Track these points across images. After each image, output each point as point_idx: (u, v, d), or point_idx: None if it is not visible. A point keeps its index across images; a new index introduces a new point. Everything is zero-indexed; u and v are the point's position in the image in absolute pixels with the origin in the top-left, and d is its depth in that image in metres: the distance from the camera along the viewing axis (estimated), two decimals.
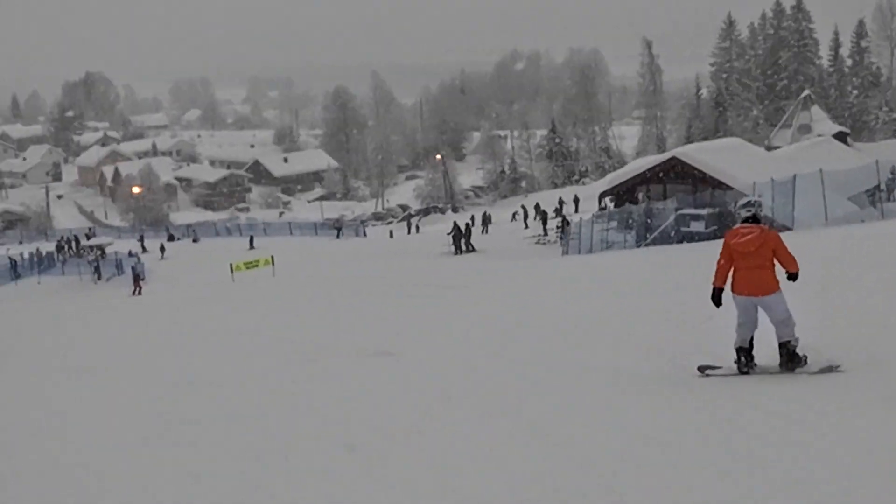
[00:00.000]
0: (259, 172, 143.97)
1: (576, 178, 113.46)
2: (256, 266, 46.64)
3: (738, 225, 9.38)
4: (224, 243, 68.86)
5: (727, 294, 9.43)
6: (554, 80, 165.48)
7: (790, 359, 9.25)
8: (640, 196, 43.07)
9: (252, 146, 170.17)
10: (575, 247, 41.23)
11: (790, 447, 6.94)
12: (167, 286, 46.45)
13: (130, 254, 62.37)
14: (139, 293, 44.54)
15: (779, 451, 6.88)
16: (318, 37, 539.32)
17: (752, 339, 9.47)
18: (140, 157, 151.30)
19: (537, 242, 49.92)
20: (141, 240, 69.51)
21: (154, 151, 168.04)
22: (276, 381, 13.24)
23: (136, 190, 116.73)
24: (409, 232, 73.84)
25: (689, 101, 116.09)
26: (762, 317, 9.32)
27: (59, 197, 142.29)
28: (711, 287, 9.46)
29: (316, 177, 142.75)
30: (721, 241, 9.55)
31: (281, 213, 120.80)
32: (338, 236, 69.78)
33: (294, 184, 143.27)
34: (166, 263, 60.03)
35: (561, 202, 67.61)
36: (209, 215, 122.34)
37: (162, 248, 64.96)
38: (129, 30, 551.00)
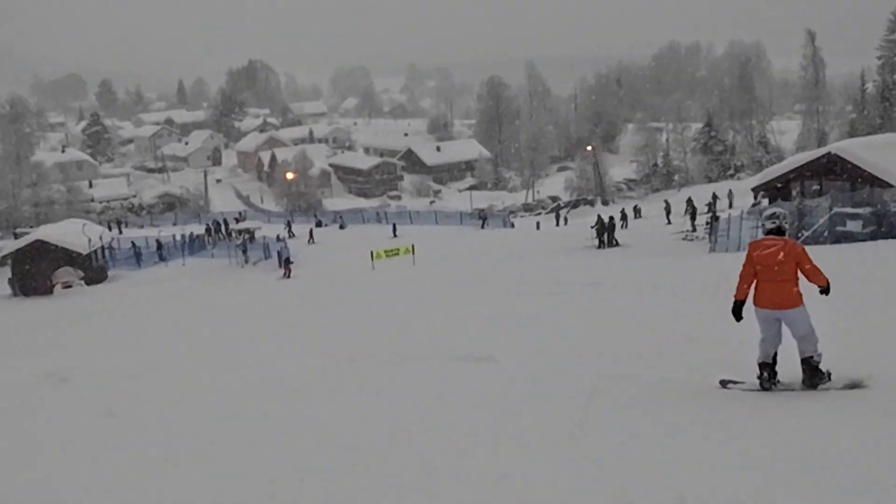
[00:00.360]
0: (412, 161, 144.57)
1: (731, 172, 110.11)
2: (396, 254, 46.55)
3: (761, 237, 9.19)
4: (369, 230, 69.19)
5: (749, 308, 9.19)
6: (712, 73, 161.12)
7: (813, 375, 9.04)
8: (794, 193, 40.78)
9: (406, 134, 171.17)
10: (724, 244, 39.42)
11: (808, 462, 6.85)
12: (311, 271, 47.65)
13: (278, 238, 63.34)
14: (288, 276, 46.09)
15: (797, 465, 6.80)
16: (476, 28, 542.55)
17: (775, 354, 9.22)
18: (296, 144, 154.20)
19: (684, 238, 48.04)
20: (288, 225, 70.49)
21: (311, 138, 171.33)
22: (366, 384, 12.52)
23: (289, 175, 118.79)
24: (557, 224, 72.64)
25: (853, 95, 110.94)
26: (785, 332, 9.09)
27: (218, 181, 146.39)
28: (734, 300, 9.20)
29: (467, 166, 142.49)
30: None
31: (431, 202, 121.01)
32: (483, 226, 69.21)
33: (445, 173, 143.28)
34: (313, 248, 60.70)
35: (714, 197, 65.15)
36: (361, 202, 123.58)
37: (310, 234, 65.71)
38: (293, 20, 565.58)
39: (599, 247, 46.54)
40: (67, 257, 51.10)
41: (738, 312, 9.18)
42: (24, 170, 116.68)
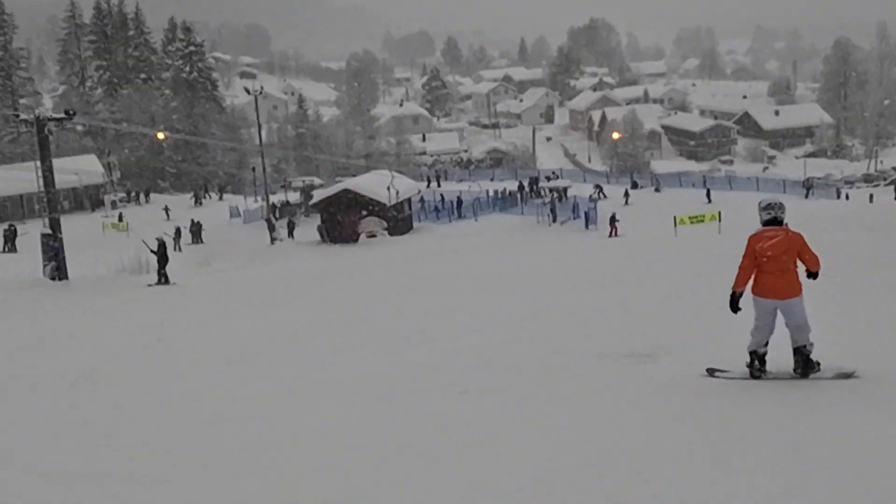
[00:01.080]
0: (747, 124, 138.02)
1: None
2: (702, 221, 43.99)
3: (760, 228, 8.97)
4: (684, 194, 66.39)
5: (745, 296, 9.04)
6: None
7: (806, 364, 9.00)
8: None
9: (745, 97, 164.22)
10: None
11: (797, 451, 6.81)
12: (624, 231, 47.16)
13: (591, 199, 62.26)
14: (615, 235, 46.46)
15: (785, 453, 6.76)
16: None
17: (767, 343, 9.12)
18: (628, 104, 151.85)
19: None
20: (598, 187, 68.52)
21: (645, 98, 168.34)
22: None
23: (615, 135, 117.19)
24: None
25: None
26: (777, 321, 8.97)
27: (548, 139, 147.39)
28: (731, 291, 9.02)
29: (807, 132, 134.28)
30: None
31: (765, 168, 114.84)
32: (806, 196, 64.48)
33: (782, 138, 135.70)
34: (627, 210, 59.01)
35: None
36: (691, 165, 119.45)
37: (626, 195, 64.10)
38: None
39: None
40: (373, 207, 52.41)
41: (736, 303, 9.02)
42: (363, 121, 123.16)
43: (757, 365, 9.16)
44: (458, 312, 16.82)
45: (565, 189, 64.67)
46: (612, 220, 48.10)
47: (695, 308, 14.21)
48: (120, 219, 60.94)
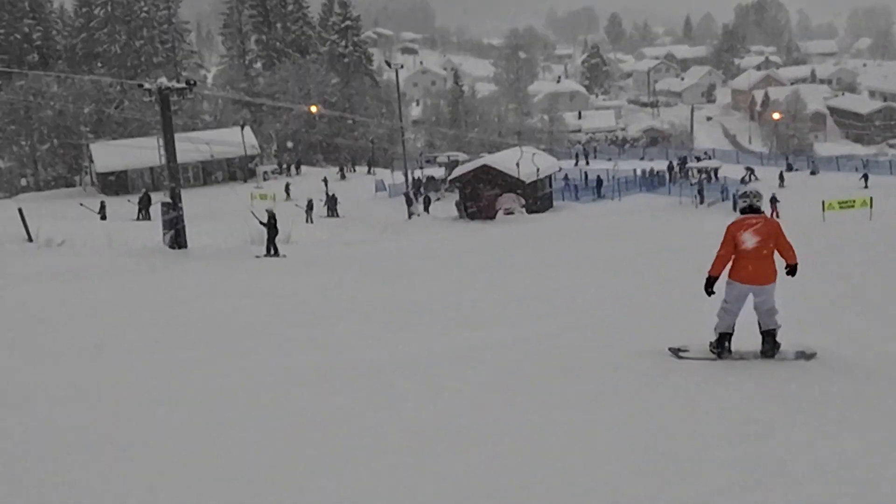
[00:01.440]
0: None
1: None
2: (852, 206, 42.59)
3: (739, 216, 9.21)
4: (840, 178, 64.25)
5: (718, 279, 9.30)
6: None
7: (773, 346, 9.32)
8: None
9: None
10: None
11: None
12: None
13: (742, 181, 61.14)
14: (776, 217, 44.89)
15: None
16: None
17: (734, 325, 9.43)
18: (793, 84, 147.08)
19: None
20: (750, 169, 66.67)
21: (812, 78, 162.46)
22: None
23: (776, 115, 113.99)
24: None
25: None
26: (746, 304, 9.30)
27: (709, 118, 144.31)
28: (707, 276, 9.25)
29: None
30: None
31: None
32: None
33: None
34: (781, 192, 57.42)
35: None
36: (857, 148, 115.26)
37: (780, 177, 62.64)
38: None
39: None
40: (511, 184, 52.19)
41: (711, 288, 9.26)
42: (520, 98, 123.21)
43: (726, 346, 9.43)
44: (571, 293, 16.67)
45: (715, 170, 63.63)
46: (773, 201, 46.46)
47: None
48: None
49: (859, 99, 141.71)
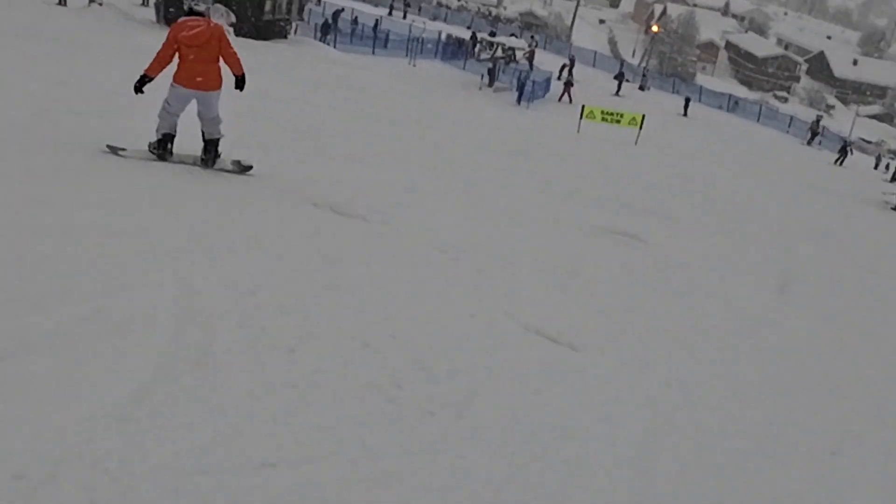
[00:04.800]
0: (819, 66, 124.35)
1: None
2: (617, 122, 31.38)
3: (183, 18, 9.03)
4: (667, 100, 54.02)
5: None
6: None
7: (215, 154, 9.56)
8: None
9: (829, 37, 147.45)
10: None
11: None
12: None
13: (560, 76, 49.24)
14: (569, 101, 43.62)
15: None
16: None
17: (175, 127, 9.54)
18: (695, 7, 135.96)
19: None
20: (566, 65, 53.29)
21: (725, 11, 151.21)
22: None
23: (654, 28, 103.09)
24: None
25: None
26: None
27: (601, 21, 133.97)
28: (142, 75, 9.01)
29: (882, 92, 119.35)
30: None
31: (818, 118, 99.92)
32: (808, 143, 52.29)
33: (853, 91, 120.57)
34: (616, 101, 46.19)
35: None
36: (740, 91, 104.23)
37: (619, 86, 52.95)
38: None
39: None
40: None
41: (141, 85, 9.01)
42: None
43: (169, 147, 9.36)
44: None
45: (513, 50, 50.66)
46: (568, 84, 45.05)
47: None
48: None
49: (759, 41, 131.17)
